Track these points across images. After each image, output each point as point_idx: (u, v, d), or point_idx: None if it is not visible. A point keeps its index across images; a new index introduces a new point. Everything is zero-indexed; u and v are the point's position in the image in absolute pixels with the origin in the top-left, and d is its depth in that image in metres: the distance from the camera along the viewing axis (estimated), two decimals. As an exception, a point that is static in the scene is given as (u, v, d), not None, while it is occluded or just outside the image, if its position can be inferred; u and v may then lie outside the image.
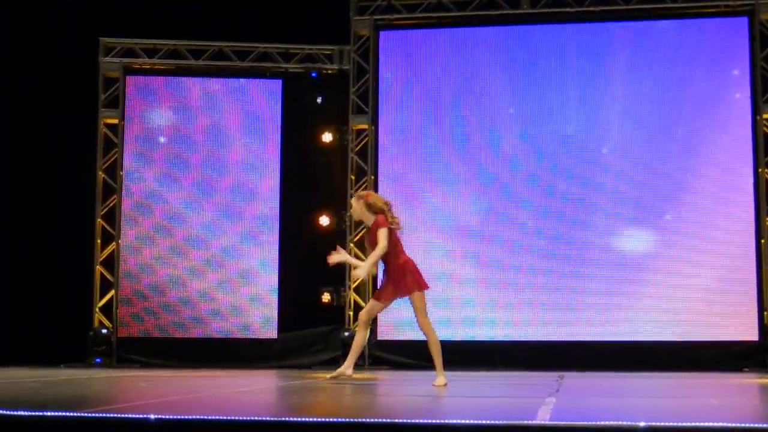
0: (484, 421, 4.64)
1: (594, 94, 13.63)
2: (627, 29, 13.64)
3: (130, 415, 4.94)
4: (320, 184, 14.37)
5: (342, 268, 13.82)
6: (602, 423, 4.53)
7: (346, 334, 13.41)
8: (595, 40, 13.69)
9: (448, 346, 13.57)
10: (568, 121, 13.66)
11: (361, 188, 14.05)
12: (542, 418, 4.90)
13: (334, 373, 8.60)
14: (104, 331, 13.95)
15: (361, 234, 13.93)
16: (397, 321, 13.32)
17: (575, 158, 13.57)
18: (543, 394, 6.95)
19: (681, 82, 13.44)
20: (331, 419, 4.76)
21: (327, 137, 14.21)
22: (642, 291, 13.25)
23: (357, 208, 8.34)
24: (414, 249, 13.58)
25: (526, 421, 4.71)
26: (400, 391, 7.99)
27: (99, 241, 14.19)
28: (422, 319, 8.38)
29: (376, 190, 13.90)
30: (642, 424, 4.42)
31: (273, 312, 13.98)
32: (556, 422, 4.68)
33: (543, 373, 11.83)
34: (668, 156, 13.36)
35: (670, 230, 13.27)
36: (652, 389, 8.50)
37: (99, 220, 14.19)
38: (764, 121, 13.23)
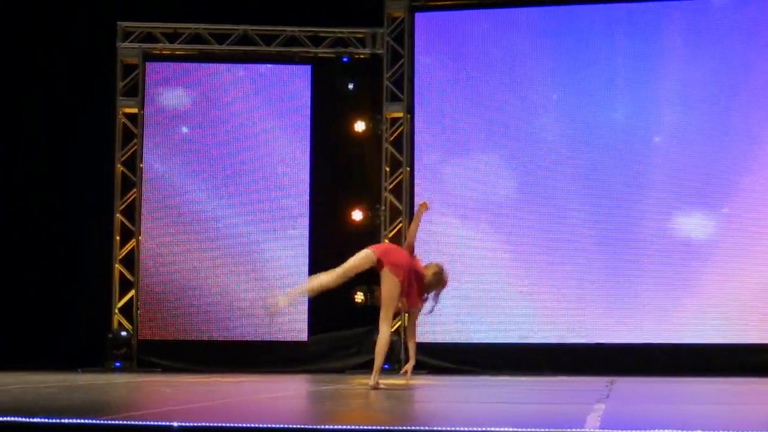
0: (528, 429, 4.63)
1: (645, 78, 13.54)
2: (681, 7, 13.54)
3: (152, 423, 4.97)
4: (352, 176, 14.37)
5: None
6: (656, 431, 4.51)
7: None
8: (646, 19, 13.61)
9: (489, 349, 13.61)
10: (617, 108, 13.58)
11: (396, 180, 14.04)
12: (591, 426, 4.88)
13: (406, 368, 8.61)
14: (124, 333, 14.04)
15: (397, 229, 13.93)
16: (435, 322, 13.32)
17: (624, 147, 13.50)
18: (592, 401, 6.92)
19: (740, 65, 13.33)
20: (366, 426, 4.77)
21: (359, 126, 14.21)
22: (698, 290, 13.17)
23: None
24: (452, 246, 13.63)
25: (573, 429, 4.70)
26: (440, 397, 7.99)
27: (118, 237, 14.27)
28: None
29: (411, 182, 13.90)
30: (699, 432, 4.40)
31: (303, 313, 14.01)
32: (606, 430, 4.67)
33: (591, 377, 11.78)
34: (726, 145, 13.26)
35: (728, 224, 13.17)
36: (709, 395, 8.45)
37: (118, 215, 14.28)
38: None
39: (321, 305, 14.17)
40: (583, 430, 4.73)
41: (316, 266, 14.03)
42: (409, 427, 4.70)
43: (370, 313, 13.85)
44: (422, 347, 13.45)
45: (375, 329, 13.31)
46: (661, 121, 13.51)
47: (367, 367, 13.59)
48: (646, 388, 9.74)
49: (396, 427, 4.69)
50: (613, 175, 13.50)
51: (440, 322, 13.12)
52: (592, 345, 13.36)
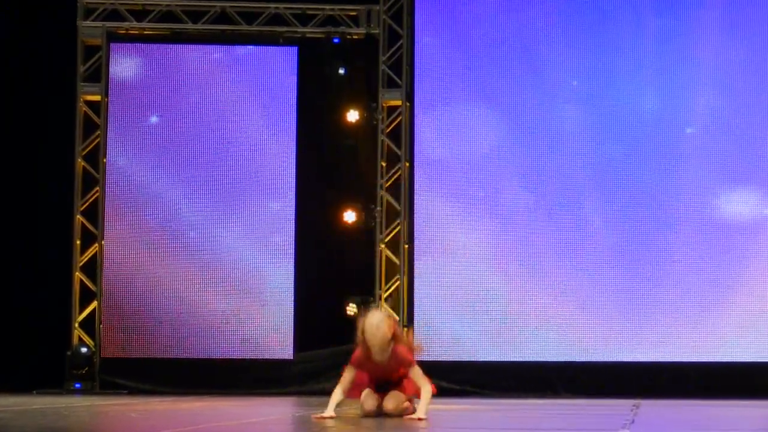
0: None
1: (675, 61, 13.53)
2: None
3: (117, 452, 4.94)
4: (344, 172, 14.35)
5: (372, 274, 13.81)
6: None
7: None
8: (676, -5, 13.64)
9: (500, 368, 13.60)
10: (644, 95, 13.57)
11: (394, 177, 14.02)
12: (616, 456, 4.86)
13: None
14: (85, 350, 14.00)
15: (394, 232, 13.91)
16: (436, 338, 13.29)
17: (653, 140, 13.48)
18: (615, 426, 6.91)
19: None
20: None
21: (353, 116, 14.19)
22: (732, 302, 13.16)
23: (386, 330, 8.00)
24: (456, 253, 13.62)
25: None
26: (442, 423, 7.96)
27: (78, 242, 14.23)
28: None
29: (411, 178, 13.88)
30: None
31: (288, 327, 13.98)
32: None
33: (614, 400, 11.77)
34: (765, 133, 13.26)
35: (770, 227, 13.19)
36: (745, 420, 8.44)
37: (78, 216, 14.24)
38: None
39: (308, 318, 14.15)
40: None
41: (303, 276, 14.03)
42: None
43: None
44: (421, 366, 13.42)
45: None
46: (694, 109, 13.49)
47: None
48: (675, 412, 9.74)
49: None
50: (640, 172, 13.49)
51: (441, 339, 13.11)
52: (615, 363, 13.35)
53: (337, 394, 8.19)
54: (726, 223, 13.29)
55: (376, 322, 7.94)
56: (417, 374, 8.08)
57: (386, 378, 8.21)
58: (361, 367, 8.18)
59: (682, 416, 9.23)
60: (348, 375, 8.25)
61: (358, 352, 8.13)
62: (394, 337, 8.03)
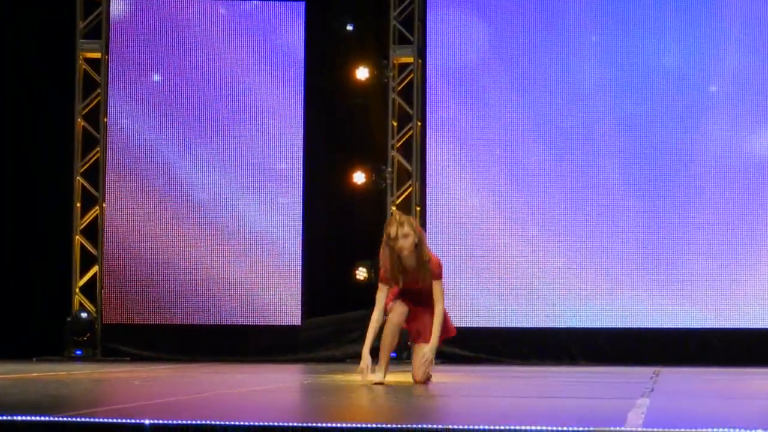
0: (559, 428, 4.65)
1: (701, 17, 13.48)
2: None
3: (120, 420, 4.99)
4: (354, 132, 14.34)
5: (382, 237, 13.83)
6: (708, 430, 4.53)
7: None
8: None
9: (515, 335, 13.66)
10: (667, 51, 13.53)
11: (405, 137, 14.03)
12: (633, 424, 4.90)
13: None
14: (85, 316, 14.06)
15: (406, 194, 13.93)
16: (448, 304, 13.31)
17: (676, 98, 13.45)
18: (634, 395, 6.95)
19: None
20: (367, 425, 4.79)
21: (362, 74, 14.18)
22: (758, 267, 13.16)
23: (413, 237, 8.30)
24: (469, 216, 13.64)
25: (613, 428, 4.72)
26: (455, 391, 8.02)
27: (79, 204, 14.27)
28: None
29: (423, 138, 13.88)
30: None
31: (296, 292, 14.03)
32: (650, 429, 4.68)
33: (633, 368, 11.82)
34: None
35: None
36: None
37: (78, 178, 14.27)
38: None
39: (317, 283, 14.19)
40: (624, 428, 4.74)
41: (311, 239, 14.06)
42: (419, 426, 4.72)
43: (374, 293, 13.86)
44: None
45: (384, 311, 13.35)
46: (718, 68, 13.45)
47: (373, 354, 13.62)
48: (697, 380, 9.77)
49: (404, 426, 4.70)
50: (663, 131, 13.46)
51: (454, 304, 13.13)
52: (635, 330, 13.38)
53: (375, 321, 8.38)
54: (752, 186, 13.27)
55: (405, 227, 8.26)
56: (438, 289, 8.42)
57: (417, 286, 8.39)
58: (393, 278, 8.36)
59: (704, 385, 9.26)
60: (381, 294, 8.45)
61: (386, 264, 8.33)
62: (420, 240, 8.32)
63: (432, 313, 8.54)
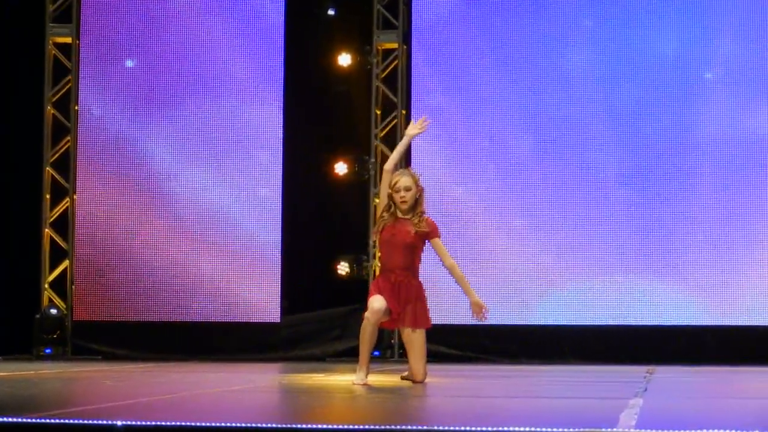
0: (552, 429, 4.66)
1: (696, 4, 13.49)
2: None
3: (91, 422, 4.98)
4: (336, 120, 14.33)
5: (365, 230, 13.83)
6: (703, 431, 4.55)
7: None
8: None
9: (503, 332, 13.67)
10: (662, 38, 13.55)
11: (389, 126, 14.03)
12: (626, 425, 4.91)
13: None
14: (55, 312, 14.04)
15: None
16: (434, 299, 13.33)
17: (669, 84, 13.47)
18: (627, 395, 6.96)
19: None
20: (349, 426, 4.79)
21: (344, 60, 14.17)
22: (757, 263, 13.19)
23: (414, 190, 8.68)
24: (456, 208, 13.63)
25: (605, 429, 4.73)
26: (442, 391, 8.02)
27: (48, 196, 14.24)
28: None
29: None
30: (756, 432, 4.43)
31: (275, 288, 14.02)
32: (643, 430, 4.70)
33: (626, 367, 11.84)
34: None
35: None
36: (764, 387, 8.50)
37: (48, 168, 14.24)
38: None
39: (297, 279, 14.19)
40: (616, 430, 4.76)
41: (291, 232, 14.05)
42: (404, 427, 4.72)
43: (356, 289, 13.89)
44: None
45: (362, 308, 13.38)
46: (714, 55, 13.47)
47: (353, 354, 13.62)
48: (691, 379, 9.80)
49: (388, 427, 4.71)
50: (656, 120, 13.48)
51: (441, 300, 13.13)
52: (627, 327, 13.40)
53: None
54: (747, 182, 13.29)
55: (409, 179, 8.66)
56: (440, 247, 8.77)
57: (405, 240, 8.59)
58: (388, 231, 8.63)
59: (698, 384, 9.30)
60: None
61: (384, 217, 8.68)
62: (420, 196, 8.70)
63: (419, 286, 8.67)
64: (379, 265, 8.88)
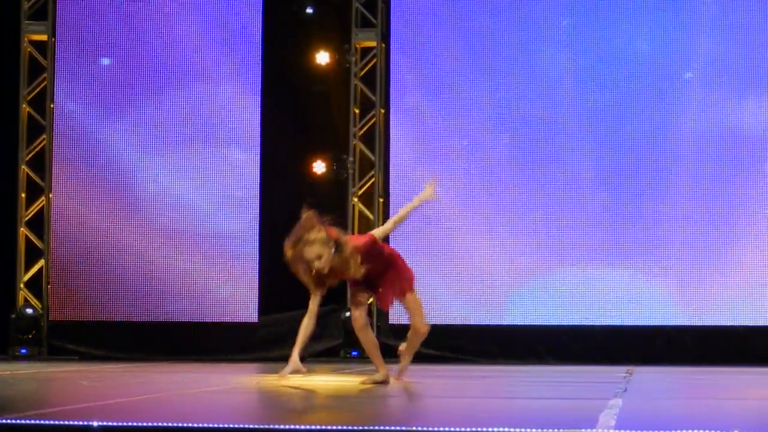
0: (531, 430, 4.66)
1: (674, 2, 13.54)
2: None
3: (67, 422, 4.97)
4: (314, 120, 14.32)
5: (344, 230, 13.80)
6: (684, 432, 4.56)
7: (348, 314, 13.44)
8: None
9: (481, 332, 13.69)
10: (641, 36, 13.57)
11: (368, 125, 14.01)
12: (605, 426, 4.92)
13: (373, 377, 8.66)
14: (31, 312, 14.00)
15: (368, 185, 13.92)
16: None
17: (648, 84, 13.50)
18: (606, 395, 6.97)
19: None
20: (327, 427, 4.78)
21: (322, 58, 14.15)
22: (736, 263, 13.23)
23: (326, 254, 8.08)
24: (433, 208, 13.61)
25: (584, 430, 4.74)
26: (421, 391, 8.02)
27: (24, 194, 14.20)
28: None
29: (387, 126, 13.88)
30: (736, 433, 4.44)
31: (253, 288, 14.00)
32: (623, 431, 4.70)
33: (605, 367, 11.86)
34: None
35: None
36: (747, 388, 8.52)
37: (23, 167, 14.20)
38: None
39: (275, 278, 14.16)
40: (595, 431, 4.76)
41: (267, 233, 14.03)
42: (383, 428, 4.72)
43: (335, 289, 13.84)
44: (396, 330, 13.51)
45: (340, 308, 13.41)
46: (694, 53, 13.49)
47: (331, 354, 13.64)
48: (670, 380, 9.83)
49: (369, 428, 4.71)
50: (634, 121, 13.50)
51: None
52: (605, 327, 13.42)
53: (305, 328, 8.49)
54: (725, 183, 13.32)
55: (317, 247, 8.01)
56: (380, 232, 8.49)
57: (367, 272, 8.33)
58: (320, 287, 8.33)
59: (678, 385, 9.32)
60: (313, 303, 8.45)
61: (308, 281, 8.25)
62: (337, 237, 8.10)
63: (392, 266, 8.52)
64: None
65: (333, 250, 8.03)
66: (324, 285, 8.30)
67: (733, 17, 13.44)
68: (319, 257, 7.99)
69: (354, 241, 8.32)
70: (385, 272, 8.50)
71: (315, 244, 8.01)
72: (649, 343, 13.28)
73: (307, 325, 8.41)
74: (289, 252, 8.12)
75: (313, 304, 8.40)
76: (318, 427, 4.79)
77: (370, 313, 8.85)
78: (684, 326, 13.30)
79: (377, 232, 8.56)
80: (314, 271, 8.06)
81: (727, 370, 11.37)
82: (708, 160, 13.37)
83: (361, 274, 8.25)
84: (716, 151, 13.36)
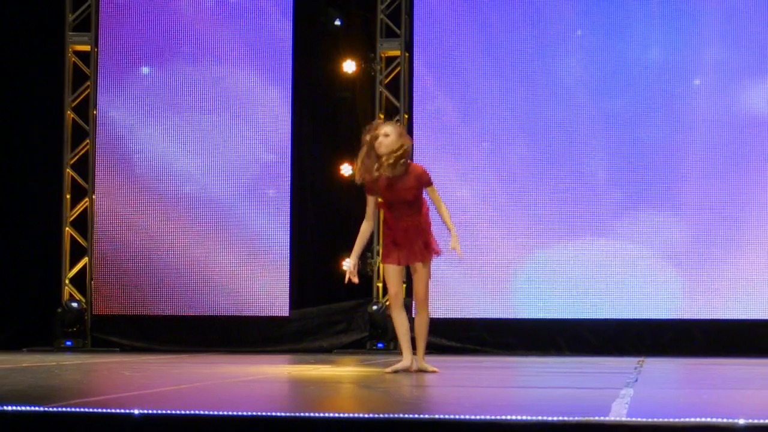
0: (546, 418, 4.66)
1: (684, 7, 13.49)
2: None
3: (109, 411, 4.99)
4: (341, 125, 14.34)
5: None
6: (691, 420, 4.54)
7: (375, 308, 13.46)
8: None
9: (502, 326, 13.67)
10: (651, 45, 13.53)
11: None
12: (617, 414, 4.91)
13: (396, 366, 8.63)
14: (75, 305, 14.05)
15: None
16: (434, 293, 13.34)
17: (658, 91, 13.46)
18: (618, 385, 6.96)
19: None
20: (356, 415, 4.79)
21: (349, 67, 14.17)
22: (744, 258, 13.19)
23: (395, 138, 8.42)
24: (456, 206, 13.59)
25: (597, 418, 4.73)
26: (441, 381, 8.03)
27: (68, 196, 14.25)
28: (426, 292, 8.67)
29: (410, 131, 13.88)
30: (741, 421, 4.43)
31: (284, 284, 14.02)
32: (634, 419, 4.69)
33: (618, 358, 11.84)
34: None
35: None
36: (753, 379, 8.50)
37: (68, 170, 14.25)
38: None
39: (305, 274, 14.20)
40: (608, 419, 4.75)
41: (299, 231, 14.06)
42: (406, 416, 4.72)
43: (362, 284, 13.86)
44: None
45: (367, 302, 13.41)
46: (700, 60, 13.45)
47: (358, 346, 13.65)
48: (681, 370, 9.80)
49: (391, 416, 4.71)
50: (646, 125, 13.46)
51: (441, 295, 13.14)
52: (620, 320, 13.39)
53: (365, 231, 8.67)
54: (735, 180, 13.28)
55: (387, 128, 8.44)
56: (435, 194, 8.69)
57: (402, 197, 8.51)
58: (373, 189, 8.54)
59: (688, 375, 9.29)
60: (370, 206, 8.66)
61: (364, 164, 8.47)
62: (406, 151, 8.48)
63: (423, 228, 8.63)
64: (383, 211, 8.72)
65: (400, 137, 8.43)
66: (374, 187, 8.52)
67: (739, 26, 13.39)
68: (387, 135, 8.36)
69: (421, 168, 8.67)
70: (416, 231, 8.61)
71: (391, 127, 8.49)
72: (660, 335, 13.26)
73: (365, 229, 8.71)
74: (366, 136, 8.47)
75: (370, 207, 8.65)
76: (343, 415, 4.80)
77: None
78: (693, 320, 13.26)
79: (436, 198, 8.73)
80: (376, 150, 8.35)
81: (734, 362, 11.33)
82: (717, 159, 13.32)
83: (398, 187, 8.45)
84: (725, 150, 13.31)
